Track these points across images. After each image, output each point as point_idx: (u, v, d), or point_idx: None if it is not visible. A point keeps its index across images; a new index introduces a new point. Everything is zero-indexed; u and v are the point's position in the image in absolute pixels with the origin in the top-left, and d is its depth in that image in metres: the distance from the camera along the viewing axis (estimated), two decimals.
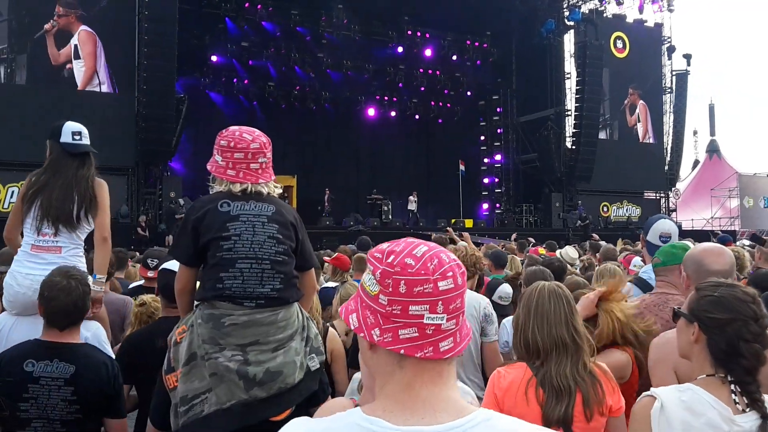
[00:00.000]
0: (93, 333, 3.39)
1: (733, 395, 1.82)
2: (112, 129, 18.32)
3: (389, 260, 1.19)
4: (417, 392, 1.17)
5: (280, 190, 2.92)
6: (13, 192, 17.60)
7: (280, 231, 2.73)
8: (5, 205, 17.62)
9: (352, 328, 1.24)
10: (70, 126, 3.58)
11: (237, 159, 2.73)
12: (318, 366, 2.76)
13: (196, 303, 2.74)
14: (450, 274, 1.17)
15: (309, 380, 2.71)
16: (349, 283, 3.96)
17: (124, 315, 4.31)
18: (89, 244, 3.66)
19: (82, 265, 3.45)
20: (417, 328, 1.16)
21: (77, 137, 3.56)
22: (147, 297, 3.81)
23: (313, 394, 2.73)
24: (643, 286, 3.74)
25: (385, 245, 1.25)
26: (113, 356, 3.31)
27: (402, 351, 1.16)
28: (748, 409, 1.80)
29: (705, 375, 1.90)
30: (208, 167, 2.80)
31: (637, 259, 5.75)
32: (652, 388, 1.96)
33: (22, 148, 15.98)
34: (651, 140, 29.78)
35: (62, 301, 2.82)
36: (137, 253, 10.01)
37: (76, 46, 18.89)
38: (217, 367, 2.53)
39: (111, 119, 18.58)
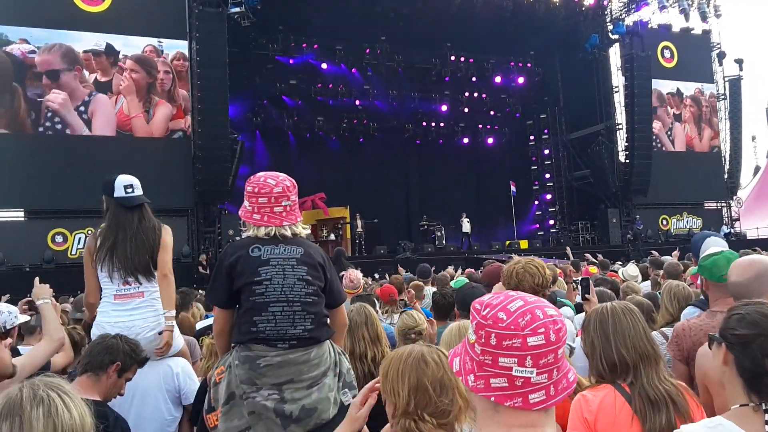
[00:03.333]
0: (182, 368, 3.62)
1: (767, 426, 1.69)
2: (170, 172, 19.03)
3: (484, 312, 1.26)
4: None
5: (308, 231, 3.03)
6: (80, 239, 18.34)
7: (309, 272, 2.84)
8: (73, 251, 18.35)
9: (454, 370, 1.32)
10: (122, 180, 3.70)
11: (261, 203, 2.86)
12: (351, 400, 2.79)
13: (232, 345, 2.85)
14: (542, 330, 1.22)
15: (343, 414, 2.74)
16: (406, 313, 4.00)
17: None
18: None
19: (160, 305, 3.62)
20: (506, 379, 1.22)
21: (129, 190, 3.68)
22: None
23: None
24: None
25: (487, 297, 1.32)
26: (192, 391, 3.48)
27: (492, 398, 1.23)
28: None
29: (738, 405, 1.78)
30: (239, 213, 2.96)
31: None
32: (682, 425, 1.86)
33: (84, 196, 16.41)
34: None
35: None
36: (200, 291, 10.28)
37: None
38: (255, 405, 2.65)
39: (169, 163, 19.30)
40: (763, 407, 1.68)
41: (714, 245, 3.55)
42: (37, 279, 3.65)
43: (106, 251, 3.57)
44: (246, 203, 2.92)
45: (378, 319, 3.72)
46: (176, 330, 3.71)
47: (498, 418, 1.25)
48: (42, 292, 3.40)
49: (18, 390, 1.60)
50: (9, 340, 3.22)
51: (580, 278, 3.41)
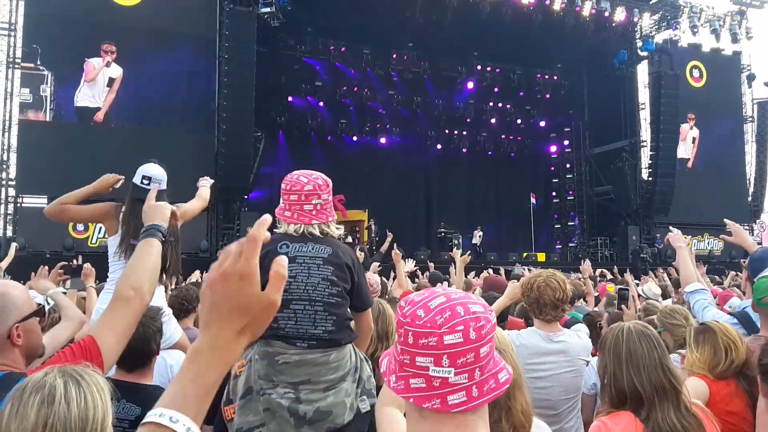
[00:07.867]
0: (177, 362, 3.51)
1: None
2: (192, 167, 19.12)
3: (404, 310, 1.21)
4: None
5: (341, 231, 2.99)
6: (100, 228, 18.52)
7: (335, 273, 2.81)
8: (93, 240, 18.53)
9: (381, 371, 1.28)
10: (143, 169, 3.67)
11: (292, 201, 2.87)
12: (369, 408, 2.77)
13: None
14: (460, 328, 1.15)
15: (359, 422, 2.74)
16: None
17: None
18: None
19: (162, 301, 3.58)
20: (424, 379, 1.16)
21: (146, 182, 3.62)
22: None
23: None
24: (747, 323, 3.34)
25: (414, 294, 1.26)
26: None
27: (411, 400, 1.17)
28: None
29: None
30: (276, 211, 2.91)
31: (734, 300, 5.04)
32: None
33: None
34: (698, 169, 28.25)
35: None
36: None
37: None
38: (270, 402, 2.64)
39: (192, 157, 19.43)
40: None
41: None
42: (45, 269, 3.63)
43: (128, 243, 3.55)
44: (281, 200, 2.93)
45: (393, 318, 3.63)
46: (174, 323, 3.64)
47: (423, 425, 1.18)
48: (44, 287, 3.39)
49: (39, 373, 1.51)
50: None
51: (618, 288, 3.34)
